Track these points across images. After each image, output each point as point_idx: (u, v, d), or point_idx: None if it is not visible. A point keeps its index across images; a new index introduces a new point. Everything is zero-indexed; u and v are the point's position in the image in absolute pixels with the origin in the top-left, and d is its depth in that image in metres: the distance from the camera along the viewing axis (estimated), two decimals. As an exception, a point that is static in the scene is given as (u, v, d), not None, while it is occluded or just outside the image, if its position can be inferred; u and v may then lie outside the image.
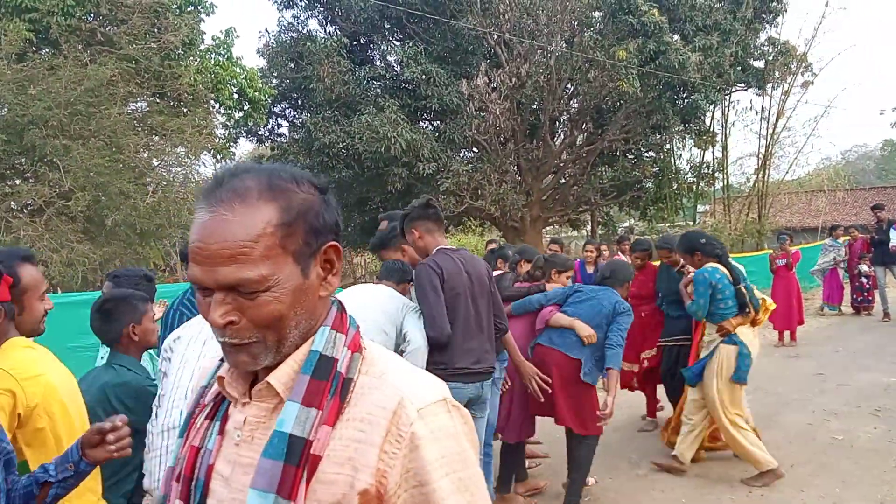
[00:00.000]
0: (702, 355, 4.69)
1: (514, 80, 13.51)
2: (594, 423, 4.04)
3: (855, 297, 12.10)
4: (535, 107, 15.19)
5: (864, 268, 11.61)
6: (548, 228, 20.82)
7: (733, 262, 4.68)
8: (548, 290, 4.48)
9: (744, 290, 4.50)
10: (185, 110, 11.78)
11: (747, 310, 4.51)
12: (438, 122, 15.57)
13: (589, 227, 21.12)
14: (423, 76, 13.59)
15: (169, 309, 3.31)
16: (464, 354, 3.25)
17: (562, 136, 16.81)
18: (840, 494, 4.30)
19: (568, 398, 4.02)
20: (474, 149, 15.50)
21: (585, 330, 4.03)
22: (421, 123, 15.43)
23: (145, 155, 11.00)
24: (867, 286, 11.82)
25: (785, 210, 25.29)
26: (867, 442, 5.32)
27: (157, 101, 11.69)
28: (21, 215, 9.55)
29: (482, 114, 13.59)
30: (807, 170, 25.41)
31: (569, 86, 15.19)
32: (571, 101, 16.07)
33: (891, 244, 10.48)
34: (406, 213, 3.41)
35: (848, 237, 12.14)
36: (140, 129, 11.31)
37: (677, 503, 4.36)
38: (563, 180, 16.82)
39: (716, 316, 4.54)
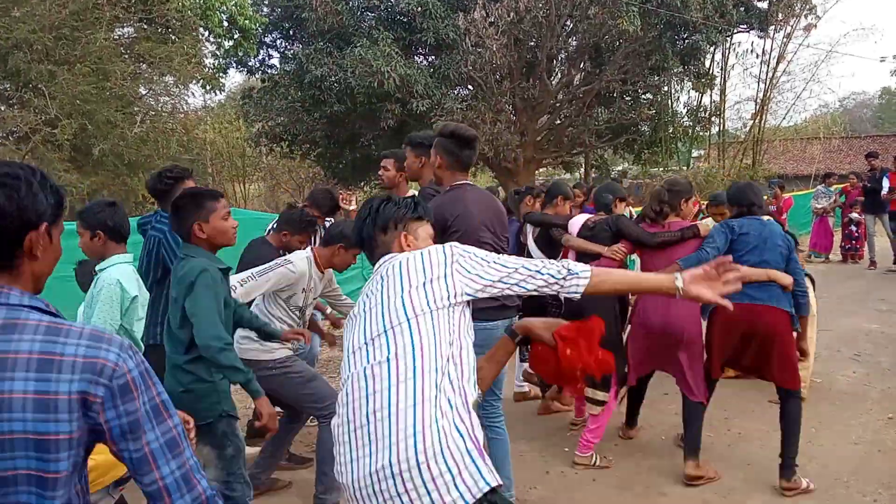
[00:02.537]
0: None
1: (512, 14, 13.15)
2: (798, 375, 3.84)
3: (844, 244, 12.20)
4: (532, 44, 14.86)
5: (854, 215, 11.67)
6: (541, 170, 20.71)
7: None
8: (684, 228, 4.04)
9: None
10: (173, 37, 11.45)
11: None
12: (433, 56, 15.23)
13: (582, 170, 21.03)
14: (419, 8, 13.21)
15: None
16: None
17: (559, 76, 16.51)
18: (816, 434, 4.43)
19: (780, 353, 3.75)
20: (469, 86, 15.22)
21: (786, 278, 3.75)
22: (415, 58, 15.09)
23: (132, 83, 10.76)
24: (856, 234, 11.91)
25: (779, 157, 25.23)
26: (845, 385, 5.45)
27: (145, 27, 11.36)
28: (7, 142, 9.39)
29: (478, 49, 13.28)
30: (804, 116, 25.28)
31: (568, 22, 14.83)
32: (570, 39, 15.73)
33: (882, 192, 10.50)
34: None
35: (846, 184, 12.14)
36: (127, 55, 11.04)
37: (657, 438, 4.49)
38: (559, 121, 16.61)
39: None
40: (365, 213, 2.12)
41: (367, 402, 1.78)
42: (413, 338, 1.79)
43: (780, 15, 16.11)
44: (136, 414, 1.20)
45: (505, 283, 1.91)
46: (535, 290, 1.96)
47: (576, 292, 1.93)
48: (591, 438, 4.10)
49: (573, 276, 1.91)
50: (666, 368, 4.04)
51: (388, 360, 1.78)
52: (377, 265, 2.05)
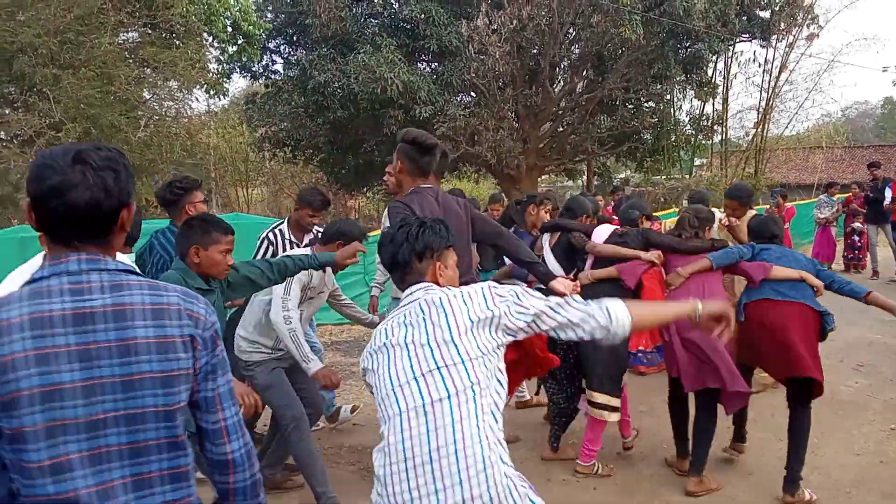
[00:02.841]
0: None
1: (515, 22, 13.18)
2: (821, 367, 3.78)
3: (846, 254, 12.18)
4: (535, 51, 14.88)
5: (857, 225, 11.66)
6: (543, 177, 20.71)
7: None
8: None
9: None
10: (177, 42, 11.50)
11: None
12: (436, 63, 15.25)
13: (585, 178, 21.02)
14: (422, 15, 13.26)
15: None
16: None
17: (561, 83, 16.53)
18: (818, 444, 4.40)
19: (807, 344, 3.72)
20: (472, 93, 15.24)
21: (817, 281, 3.82)
22: (418, 65, 15.12)
23: (136, 88, 10.79)
24: (858, 244, 11.88)
25: (782, 166, 25.24)
26: (847, 395, 5.44)
27: (149, 31, 11.40)
28: (11, 145, 9.43)
29: (481, 57, 13.30)
30: (806, 125, 25.28)
31: (570, 30, 14.86)
32: (573, 47, 15.75)
33: (885, 202, 10.49)
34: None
35: (849, 193, 12.13)
36: (131, 60, 11.08)
37: (658, 446, 4.47)
38: (561, 128, 16.63)
39: None
40: (402, 237, 2.04)
41: (430, 439, 1.77)
42: (471, 377, 1.82)
43: (782, 24, 16.11)
44: (216, 359, 1.43)
45: (546, 324, 1.96)
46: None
47: (623, 334, 1.97)
48: (592, 447, 4.09)
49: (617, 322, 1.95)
50: (708, 382, 3.80)
51: (448, 397, 1.79)
52: (408, 291, 2.02)
